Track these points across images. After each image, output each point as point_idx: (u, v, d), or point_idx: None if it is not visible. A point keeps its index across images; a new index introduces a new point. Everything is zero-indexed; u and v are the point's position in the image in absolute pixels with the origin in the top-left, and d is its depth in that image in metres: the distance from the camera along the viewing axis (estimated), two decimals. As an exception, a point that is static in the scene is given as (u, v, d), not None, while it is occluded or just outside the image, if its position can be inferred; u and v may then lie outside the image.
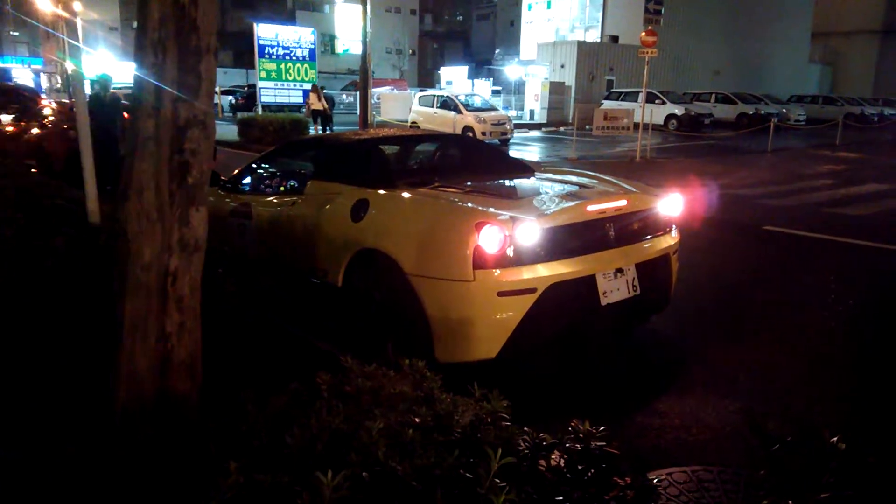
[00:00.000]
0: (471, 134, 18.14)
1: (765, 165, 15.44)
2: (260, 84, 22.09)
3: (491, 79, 44.22)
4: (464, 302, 3.34)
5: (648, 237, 4.02)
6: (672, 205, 4.17)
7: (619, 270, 3.72)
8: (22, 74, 35.95)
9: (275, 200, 4.76)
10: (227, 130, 18.92)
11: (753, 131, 22.09)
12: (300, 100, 21.64)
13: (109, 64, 32.56)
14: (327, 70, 41.93)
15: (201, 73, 2.26)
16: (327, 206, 4.10)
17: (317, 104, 18.58)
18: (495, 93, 38.09)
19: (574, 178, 4.56)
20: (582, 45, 33.79)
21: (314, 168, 4.71)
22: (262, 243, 4.72)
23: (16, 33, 48.39)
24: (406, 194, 3.86)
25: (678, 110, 26.26)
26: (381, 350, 3.64)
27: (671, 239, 4.18)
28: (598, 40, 36.31)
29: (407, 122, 22.15)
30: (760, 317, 5.05)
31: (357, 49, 19.71)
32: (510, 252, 3.32)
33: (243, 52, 42.86)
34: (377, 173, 4.33)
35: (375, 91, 27.75)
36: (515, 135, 21.42)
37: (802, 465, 1.54)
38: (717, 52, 38.88)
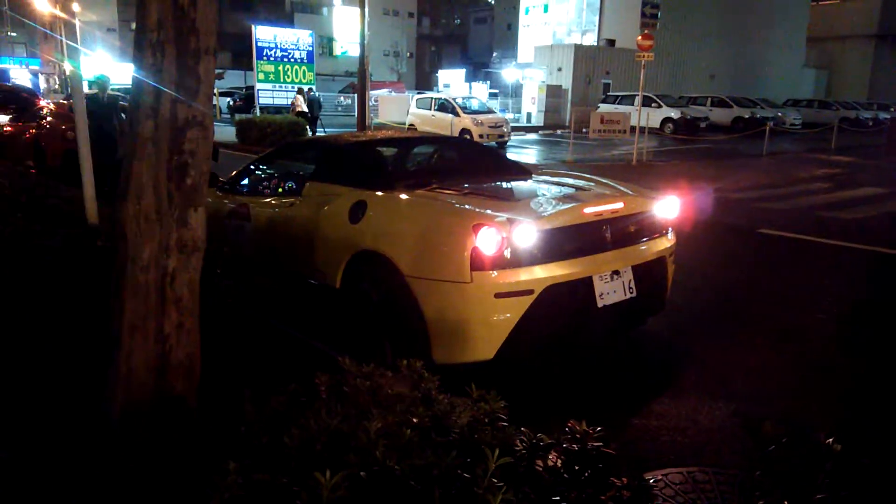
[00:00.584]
0: (468, 136, 18.17)
1: (760, 169, 15.49)
2: (258, 86, 22.11)
3: (488, 82, 44.31)
4: (461, 303, 3.35)
5: (645, 240, 4.03)
6: (668, 207, 4.18)
7: (616, 272, 3.73)
8: (20, 75, 35.89)
9: (273, 202, 4.77)
10: (225, 132, 18.91)
11: (749, 135, 22.16)
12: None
13: (107, 65, 32.51)
14: (325, 72, 41.93)
15: (200, 74, 2.27)
16: (325, 208, 4.10)
17: (301, 107, 18.87)
18: (492, 96, 38.15)
19: (571, 181, 4.58)
20: (579, 49, 33.87)
21: (312, 169, 4.72)
22: (260, 244, 4.72)
23: (13, 34, 48.30)
24: (404, 196, 3.87)
25: (674, 114, 26.33)
26: (379, 351, 3.64)
27: (667, 241, 4.19)
28: (595, 44, 36.37)
29: (405, 124, 22.17)
30: (755, 319, 5.07)
31: (355, 51, 19.73)
32: (507, 254, 3.33)
33: (241, 53, 42.82)
34: (375, 175, 4.34)
35: (373, 93, 27.73)
36: (512, 137, 21.45)
37: (798, 465, 1.55)
38: (713, 56, 39.00)
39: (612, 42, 35.09)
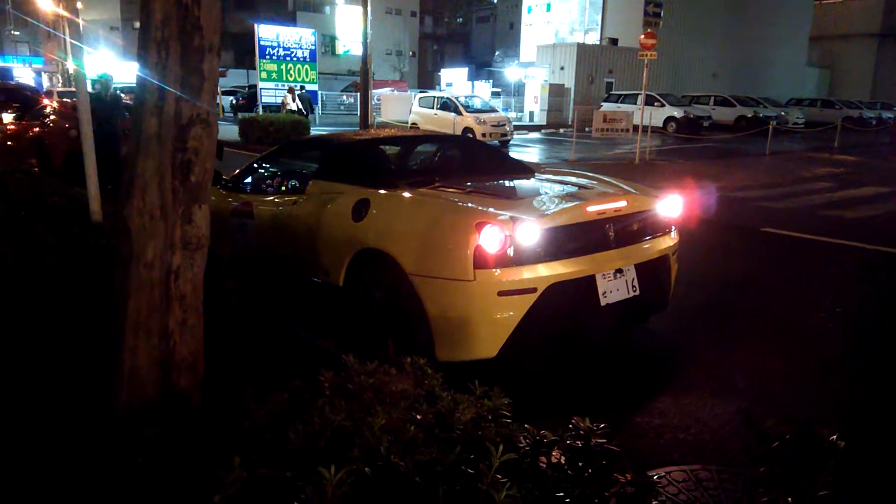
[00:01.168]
0: (470, 135, 18.16)
1: (763, 168, 15.46)
2: (261, 84, 22.15)
3: (491, 81, 44.24)
4: (464, 301, 3.35)
5: (648, 238, 4.03)
6: (671, 206, 4.18)
7: (619, 271, 3.73)
8: (23, 74, 35.96)
9: (276, 200, 4.77)
10: (228, 131, 18.92)
11: (752, 134, 22.12)
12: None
13: (110, 63, 32.57)
14: (328, 71, 41.90)
15: (204, 72, 2.27)
16: (328, 206, 4.11)
17: (291, 105, 19.13)
18: (495, 94, 38.11)
19: (574, 179, 4.58)
20: (581, 48, 33.83)
21: (315, 168, 4.72)
22: (263, 242, 4.73)
23: (17, 32, 48.38)
24: (407, 194, 3.88)
25: (677, 113, 26.28)
26: (382, 349, 3.65)
27: (670, 240, 4.19)
28: (598, 43, 36.35)
29: (407, 123, 22.17)
30: (758, 318, 5.06)
31: (357, 50, 19.75)
32: (510, 252, 3.33)
33: (244, 52, 42.87)
34: (378, 173, 4.34)
35: (376, 92, 27.79)
36: (515, 136, 21.45)
37: (801, 462, 1.55)
38: (716, 55, 38.92)
39: (614, 41, 35.05)
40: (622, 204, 3.85)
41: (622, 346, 4.45)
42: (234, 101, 30.51)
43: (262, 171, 5.34)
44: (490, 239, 3.27)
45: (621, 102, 26.97)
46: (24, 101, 14.04)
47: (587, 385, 3.87)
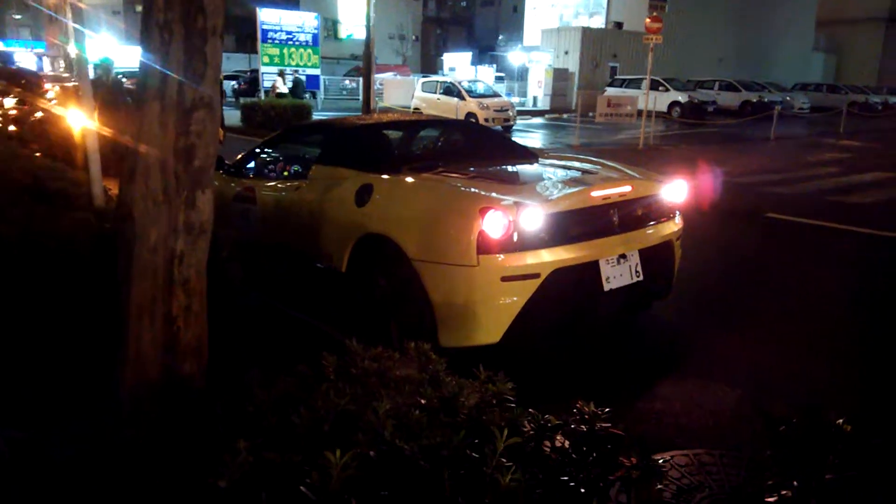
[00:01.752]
0: (474, 120, 18.08)
1: (768, 153, 15.39)
2: (262, 69, 22.00)
3: (494, 65, 43.96)
4: (468, 287, 3.35)
5: (652, 223, 4.02)
6: (676, 191, 4.16)
7: (623, 256, 3.72)
8: (25, 58, 35.83)
9: (279, 185, 4.76)
10: (230, 115, 18.83)
11: (757, 119, 22.00)
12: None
13: (112, 48, 32.41)
14: (330, 55, 41.63)
15: (207, 55, 2.25)
16: (331, 191, 4.10)
17: (282, 88, 19.05)
18: (498, 79, 37.87)
19: (578, 164, 4.56)
20: (586, 32, 33.59)
21: (318, 152, 4.71)
22: (266, 228, 4.72)
23: (18, 16, 48.15)
24: (410, 179, 3.86)
25: (682, 98, 26.15)
26: (386, 334, 3.65)
27: (674, 225, 4.17)
28: (603, 26, 36.06)
29: (410, 107, 22.08)
30: (762, 303, 5.06)
31: (360, 34, 19.65)
32: (514, 237, 3.32)
33: (246, 36, 42.58)
34: (381, 158, 4.32)
35: (378, 77, 27.59)
36: (518, 121, 21.36)
37: (807, 446, 1.55)
38: (721, 40, 38.61)
39: (619, 25, 34.78)
40: (626, 189, 3.83)
41: (625, 331, 4.44)
42: (235, 86, 30.36)
43: (265, 155, 5.33)
44: (493, 224, 3.26)
45: (626, 87, 26.85)
46: (25, 85, 13.98)
47: (590, 370, 3.88)
